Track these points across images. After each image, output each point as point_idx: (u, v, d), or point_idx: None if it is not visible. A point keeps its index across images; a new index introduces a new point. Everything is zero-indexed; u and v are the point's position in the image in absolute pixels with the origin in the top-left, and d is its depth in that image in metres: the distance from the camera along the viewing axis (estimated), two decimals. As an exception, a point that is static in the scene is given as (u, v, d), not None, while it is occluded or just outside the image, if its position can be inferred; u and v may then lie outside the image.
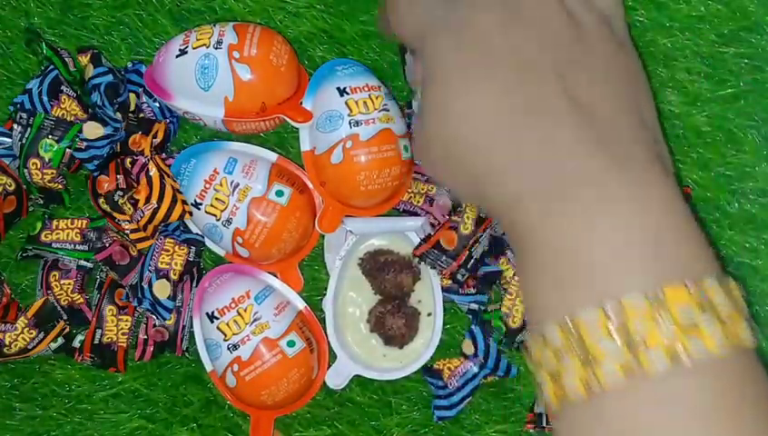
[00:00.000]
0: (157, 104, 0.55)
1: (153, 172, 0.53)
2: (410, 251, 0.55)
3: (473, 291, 0.54)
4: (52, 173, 0.54)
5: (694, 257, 0.34)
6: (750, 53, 0.54)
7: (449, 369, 0.54)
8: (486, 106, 0.36)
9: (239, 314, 0.53)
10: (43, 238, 0.55)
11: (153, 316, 0.55)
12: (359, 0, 0.55)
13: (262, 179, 0.53)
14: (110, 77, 0.53)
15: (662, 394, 0.31)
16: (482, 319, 0.54)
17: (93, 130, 0.53)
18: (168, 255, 0.54)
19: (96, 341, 0.55)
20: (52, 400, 0.57)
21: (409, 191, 0.55)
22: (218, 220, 0.53)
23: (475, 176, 0.37)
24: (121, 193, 0.53)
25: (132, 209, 0.53)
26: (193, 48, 0.52)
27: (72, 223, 0.55)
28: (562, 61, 0.36)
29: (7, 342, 0.54)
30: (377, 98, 0.52)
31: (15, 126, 0.54)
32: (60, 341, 0.55)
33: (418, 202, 0.55)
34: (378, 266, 0.55)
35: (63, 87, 0.55)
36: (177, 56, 0.53)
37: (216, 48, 0.52)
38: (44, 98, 0.54)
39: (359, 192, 0.53)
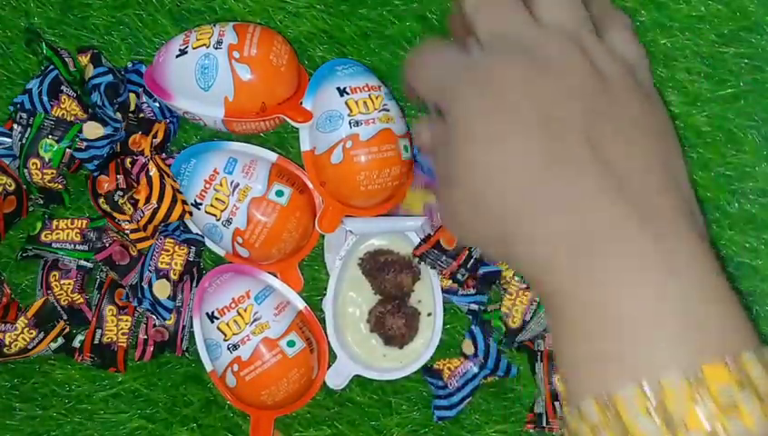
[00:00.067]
0: (157, 104, 0.55)
1: (153, 172, 0.53)
2: (410, 251, 0.55)
3: (472, 291, 0.54)
4: (52, 173, 0.54)
5: (732, 328, 0.33)
6: (750, 53, 0.54)
7: (449, 369, 0.54)
8: (513, 165, 0.35)
9: (239, 314, 0.53)
10: (43, 238, 0.55)
11: (153, 316, 0.55)
12: (360, 0, 0.55)
13: (262, 179, 0.53)
14: (110, 77, 0.53)
15: None
16: (482, 319, 0.54)
17: (93, 130, 0.53)
18: (168, 255, 0.54)
19: (96, 341, 0.55)
20: (52, 400, 0.57)
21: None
22: (218, 220, 0.53)
23: (504, 235, 0.36)
24: (121, 193, 0.53)
25: (132, 209, 0.53)
26: (193, 48, 0.52)
27: (72, 223, 0.55)
28: (587, 113, 0.36)
29: (7, 342, 0.54)
30: (377, 98, 0.52)
31: (15, 126, 0.54)
32: (60, 341, 0.55)
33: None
34: (378, 266, 0.55)
35: (63, 87, 0.55)
36: (177, 56, 0.53)
37: (216, 48, 0.52)
38: (44, 98, 0.54)
39: (359, 192, 0.53)
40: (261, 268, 0.55)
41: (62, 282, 0.55)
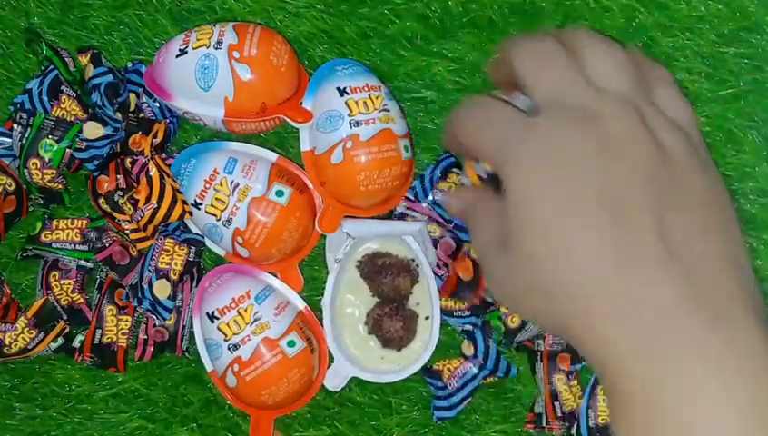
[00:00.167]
0: (157, 104, 0.55)
1: (153, 172, 0.53)
2: (408, 254, 0.55)
3: (467, 313, 0.54)
4: (52, 173, 0.54)
5: None
6: (750, 53, 0.54)
7: (449, 369, 0.54)
8: (581, 252, 0.34)
9: (239, 314, 0.53)
10: (43, 238, 0.55)
11: (153, 316, 0.55)
12: (360, 0, 0.55)
13: (262, 179, 0.53)
14: (110, 77, 0.53)
15: None
16: (482, 320, 0.54)
17: (93, 130, 0.53)
18: (168, 255, 0.54)
19: (96, 341, 0.55)
20: (52, 400, 0.57)
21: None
22: (218, 220, 0.53)
23: (566, 322, 0.35)
24: (121, 193, 0.53)
25: (132, 209, 0.53)
26: (193, 48, 0.52)
27: (72, 223, 0.55)
28: (654, 196, 0.35)
29: (7, 342, 0.54)
30: (377, 98, 0.52)
31: (15, 126, 0.54)
32: (60, 341, 0.55)
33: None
34: (376, 269, 0.55)
35: (63, 87, 0.55)
36: (177, 56, 0.53)
37: (216, 48, 0.52)
38: (44, 98, 0.54)
39: (360, 192, 0.53)
40: (262, 268, 0.55)
41: (62, 282, 0.55)
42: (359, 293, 0.56)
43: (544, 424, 0.54)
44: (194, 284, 0.55)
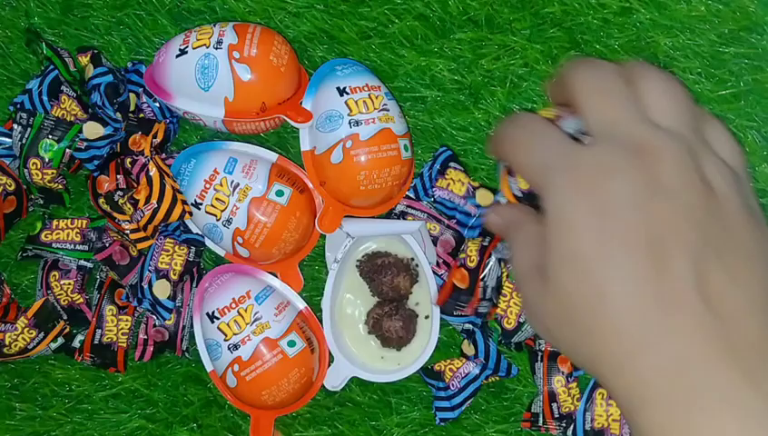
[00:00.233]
0: (157, 104, 0.55)
1: (153, 172, 0.53)
2: (408, 253, 0.55)
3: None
4: (52, 173, 0.54)
5: None
6: (750, 53, 0.54)
7: (451, 370, 0.54)
8: (619, 291, 0.34)
9: (239, 314, 0.53)
10: (43, 238, 0.55)
11: (153, 316, 0.55)
12: (360, 0, 0.55)
13: (262, 179, 0.53)
14: (110, 77, 0.53)
15: None
16: (481, 320, 0.54)
17: (93, 130, 0.53)
18: (168, 255, 0.54)
19: (96, 342, 0.55)
20: (52, 400, 0.57)
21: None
22: (218, 220, 0.53)
23: (598, 357, 0.35)
24: (121, 193, 0.53)
25: (132, 209, 0.53)
26: (193, 48, 0.52)
27: (72, 223, 0.55)
28: (698, 244, 0.34)
29: (7, 342, 0.54)
30: (377, 98, 0.52)
31: (15, 126, 0.54)
32: (60, 341, 0.55)
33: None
34: (375, 268, 0.55)
35: (63, 87, 0.55)
36: (177, 56, 0.53)
37: (216, 48, 0.52)
38: (44, 98, 0.54)
39: (360, 191, 0.53)
40: (262, 268, 0.55)
41: (62, 282, 0.55)
42: (359, 293, 0.56)
43: (540, 424, 0.54)
44: (194, 284, 0.55)
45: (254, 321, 0.52)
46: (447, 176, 0.54)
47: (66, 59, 0.55)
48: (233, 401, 0.55)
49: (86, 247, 0.55)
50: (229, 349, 0.52)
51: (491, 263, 0.52)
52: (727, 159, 0.37)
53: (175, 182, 0.54)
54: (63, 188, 0.56)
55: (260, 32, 0.53)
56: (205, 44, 0.52)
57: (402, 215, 0.55)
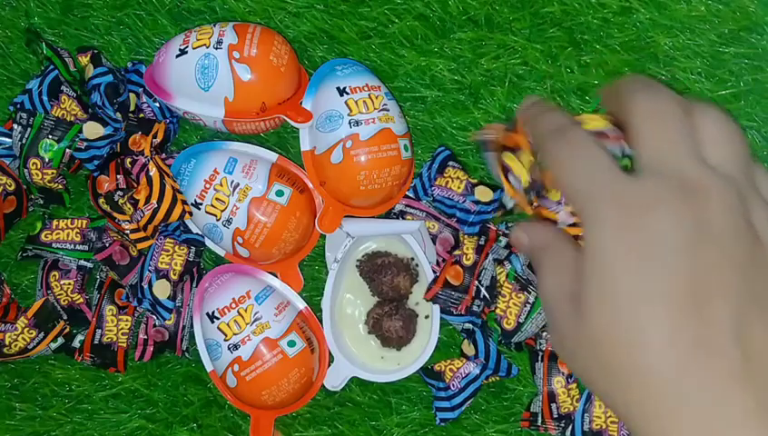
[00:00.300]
0: (157, 104, 0.55)
1: (153, 172, 0.53)
2: (407, 253, 0.55)
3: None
4: (52, 173, 0.54)
5: None
6: (750, 53, 0.54)
7: (451, 370, 0.54)
8: (657, 338, 0.33)
9: (239, 314, 0.53)
10: (43, 238, 0.55)
11: (153, 316, 0.55)
12: (360, 0, 0.55)
13: (262, 179, 0.53)
14: (110, 77, 0.53)
15: None
16: (481, 320, 0.54)
17: (93, 130, 0.53)
18: (168, 255, 0.54)
19: (96, 341, 0.55)
20: (52, 400, 0.57)
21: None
22: (218, 220, 0.53)
23: (627, 400, 0.34)
24: (121, 193, 0.53)
25: (132, 209, 0.53)
26: (193, 48, 0.52)
27: (72, 223, 0.55)
28: (742, 295, 0.33)
29: (7, 342, 0.54)
30: (377, 98, 0.52)
31: (15, 126, 0.54)
32: (60, 341, 0.55)
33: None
34: (375, 268, 0.55)
35: (63, 87, 0.55)
36: (177, 56, 0.53)
37: (216, 48, 0.52)
38: (44, 98, 0.54)
39: (360, 191, 0.53)
40: (262, 268, 0.55)
41: (62, 282, 0.55)
42: (358, 293, 0.56)
43: (539, 423, 0.54)
44: (194, 284, 0.55)
45: (254, 321, 0.52)
46: (445, 175, 0.54)
47: (66, 59, 0.55)
48: (233, 401, 0.55)
49: (86, 247, 0.55)
50: (229, 349, 0.52)
51: (488, 263, 0.52)
52: None
53: (175, 182, 0.54)
54: (63, 188, 0.56)
55: (260, 32, 0.53)
56: (205, 44, 0.52)
57: (401, 215, 0.55)
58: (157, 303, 0.54)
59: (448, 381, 0.54)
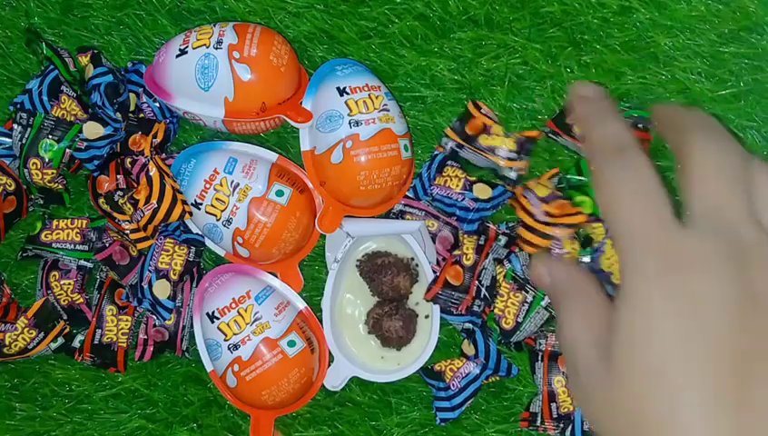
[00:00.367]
0: (157, 104, 0.55)
1: (153, 172, 0.53)
2: (407, 253, 0.55)
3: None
4: (52, 173, 0.54)
5: None
6: (750, 53, 0.54)
7: (452, 370, 0.54)
8: (696, 412, 0.30)
9: (239, 314, 0.53)
10: (43, 238, 0.55)
11: (153, 316, 0.55)
12: (360, 0, 0.55)
13: (262, 179, 0.53)
14: (110, 77, 0.53)
15: None
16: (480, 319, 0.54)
17: (93, 130, 0.53)
18: (168, 255, 0.54)
19: (96, 341, 0.55)
20: (52, 400, 0.57)
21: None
22: (218, 220, 0.53)
23: None
24: (121, 193, 0.53)
25: (132, 209, 0.53)
26: (193, 48, 0.52)
27: (72, 223, 0.55)
28: None
29: (7, 342, 0.54)
30: (377, 98, 0.52)
31: (15, 126, 0.54)
32: (60, 341, 0.55)
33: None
34: (375, 268, 0.55)
35: (63, 87, 0.55)
36: (177, 56, 0.53)
37: (216, 48, 0.52)
38: (44, 98, 0.54)
39: (360, 191, 0.53)
40: (262, 268, 0.55)
41: (62, 282, 0.55)
42: (358, 293, 0.56)
43: (538, 424, 0.54)
44: (194, 284, 0.55)
45: (254, 321, 0.52)
46: (444, 174, 0.54)
47: (66, 59, 0.55)
48: (233, 401, 0.55)
49: (86, 247, 0.55)
50: (229, 349, 0.52)
51: (488, 263, 0.52)
52: None
53: (175, 182, 0.54)
54: (63, 188, 0.56)
55: (260, 32, 0.53)
56: (205, 44, 0.52)
57: (400, 214, 0.55)
58: (157, 303, 0.54)
59: (448, 380, 0.54)
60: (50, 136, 0.54)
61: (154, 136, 0.54)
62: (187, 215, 0.54)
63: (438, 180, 0.54)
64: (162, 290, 0.54)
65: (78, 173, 0.57)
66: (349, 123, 0.52)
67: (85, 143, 0.53)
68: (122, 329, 0.55)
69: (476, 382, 0.53)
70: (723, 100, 0.54)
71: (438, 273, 0.53)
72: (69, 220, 0.55)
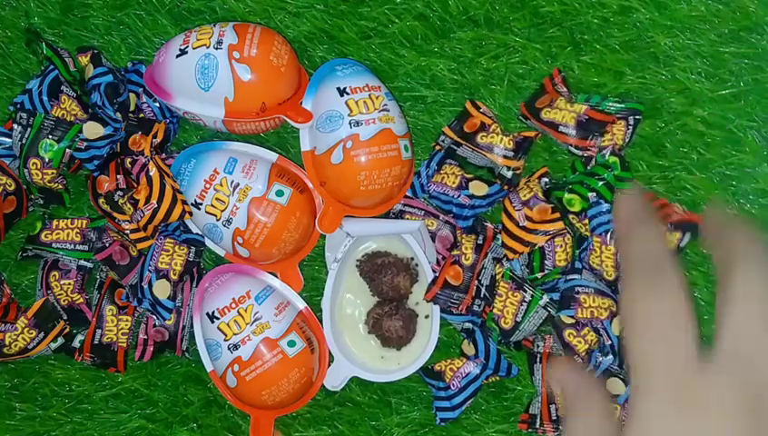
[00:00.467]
0: (157, 104, 0.55)
1: (153, 172, 0.53)
2: (407, 253, 0.55)
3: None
4: (52, 173, 0.54)
5: None
6: (750, 53, 0.54)
7: (452, 370, 0.54)
8: None
9: (239, 314, 0.53)
10: (43, 238, 0.55)
11: (153, 316, 0.55)
12: (360, 0, 0.55)
13: (262, 179, 0.53)
14: (110, 77, 0.53)
15: None
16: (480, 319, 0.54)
17: (93, 130, 0.53)
18: (168, 255, 0.54)
19: (96, 341, 0.55)
20: (52, 400, 0.57)
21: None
22: (218, 220, 0.53)
23: None
24: (121, 193, 0.53)
25: (132, 209, 0.53)
26: (193, 48, 0.52)
27: (72, 223, 0.55)
28: None
29: (7, 342, 0.54)
30: (377, 98, 0.52)
31: (15, 126, 0.54)
32: (60, 341, 0.55)
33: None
34: (375, 268, 0.55)
35: (63, 87, 0.55)
36: (177, 56, 0.53)
37: (216, 48, 0.52)
38: (44, 98, 0.54)
39: (360, 192, 0.53)
40: (262, 268, 0.55)
41: (62, 282, 0.55)
42: (358, 293, 0.56)
43: (537, 426, 0.53)
44: (194, 284, 0.55)
45: (254, 321, 0.52)
46: (442, 172, 0.54)
47: (66, 59, 0.55)
48: (233, 401, 0.55)
49: (86, 247, 0.55)
50: (229, 349, 0.52)
51: (487, 262, 0.52)
52: None
53: (175, 182, 0.54)
54: (63, 188, 0.56)
55: (260, 32, 0.53)
56: (205, 45, 0.52)
57: (400, 214, 0.55)
58: (157, 303, 0.54)
59: (448, 380, 0.54)
60: (50, 136, 0.54)
61: (154, 136, 0.54)
62: (187, 215, 0.54)
63: (435, 177, 0.54)
64: (162, 290, 0.54)
65: (78, 173, 0.57)
66: (350, 124, 0.52)
67: (85, 143, 0.53)
68: (122, 329, 0.55)
69: (476, 382, 0.53)
70: (723, 100, 0.54)
71: (437, 273, 0.53)
72: (69, 220, 0.55)
